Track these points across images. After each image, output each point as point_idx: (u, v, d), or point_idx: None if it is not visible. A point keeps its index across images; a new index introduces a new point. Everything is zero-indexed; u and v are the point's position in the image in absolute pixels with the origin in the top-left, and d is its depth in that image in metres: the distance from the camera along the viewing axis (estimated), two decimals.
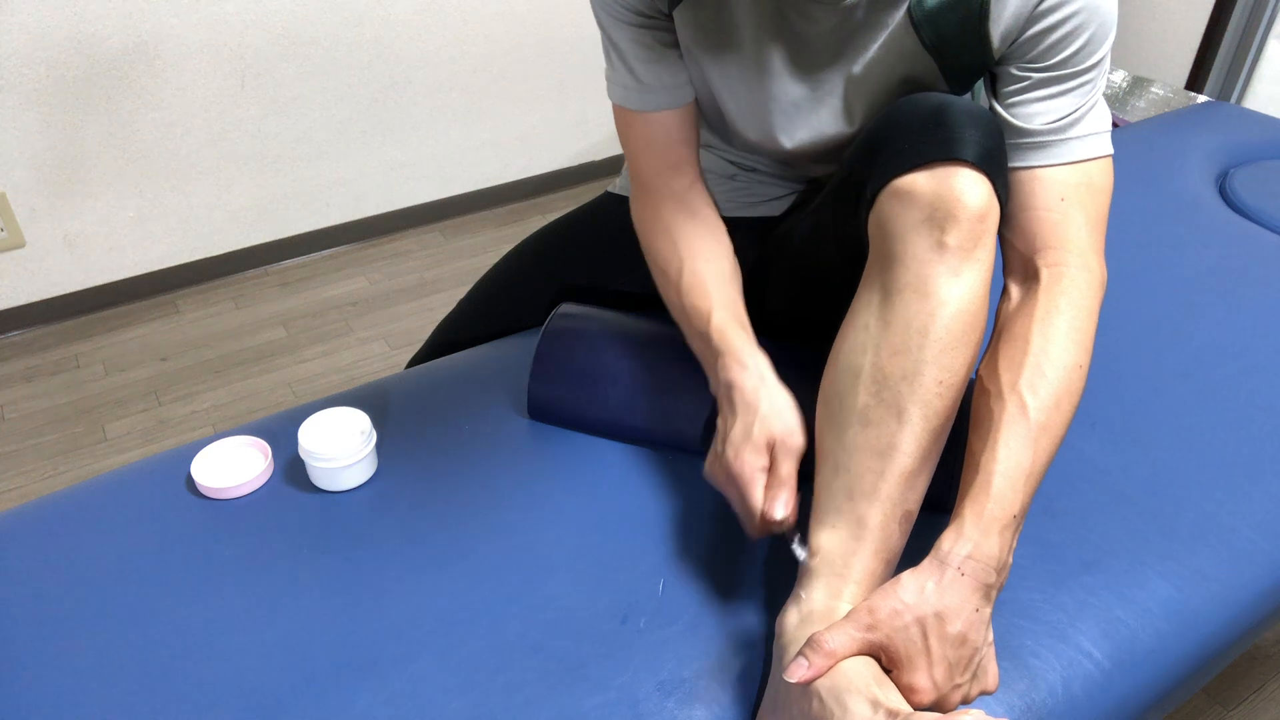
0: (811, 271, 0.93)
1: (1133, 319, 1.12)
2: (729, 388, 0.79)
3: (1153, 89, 2.41)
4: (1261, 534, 0.85)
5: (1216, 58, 2.50)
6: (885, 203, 0.73)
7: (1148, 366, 1.04)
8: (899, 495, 0.69)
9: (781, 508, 0.72)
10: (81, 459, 1.69)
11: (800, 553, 0.72)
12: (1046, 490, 0.87)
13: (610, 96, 0.92)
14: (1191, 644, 0.78)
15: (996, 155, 0.73)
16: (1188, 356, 1.06)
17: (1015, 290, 0.78)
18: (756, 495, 0.74)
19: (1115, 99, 2.42)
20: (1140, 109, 2.36)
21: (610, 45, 0.89)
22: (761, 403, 0.76)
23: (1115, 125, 2.21)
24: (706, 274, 0.86)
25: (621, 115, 0.92)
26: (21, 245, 1.94)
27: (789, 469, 0.74)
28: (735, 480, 0.75)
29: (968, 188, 0.70)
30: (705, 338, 0.83)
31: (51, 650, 0.71)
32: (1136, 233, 1.30)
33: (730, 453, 0.75)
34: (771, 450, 0.75)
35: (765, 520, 0.73)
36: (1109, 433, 0.95)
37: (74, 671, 0.70)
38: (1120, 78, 2.49)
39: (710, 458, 0.79)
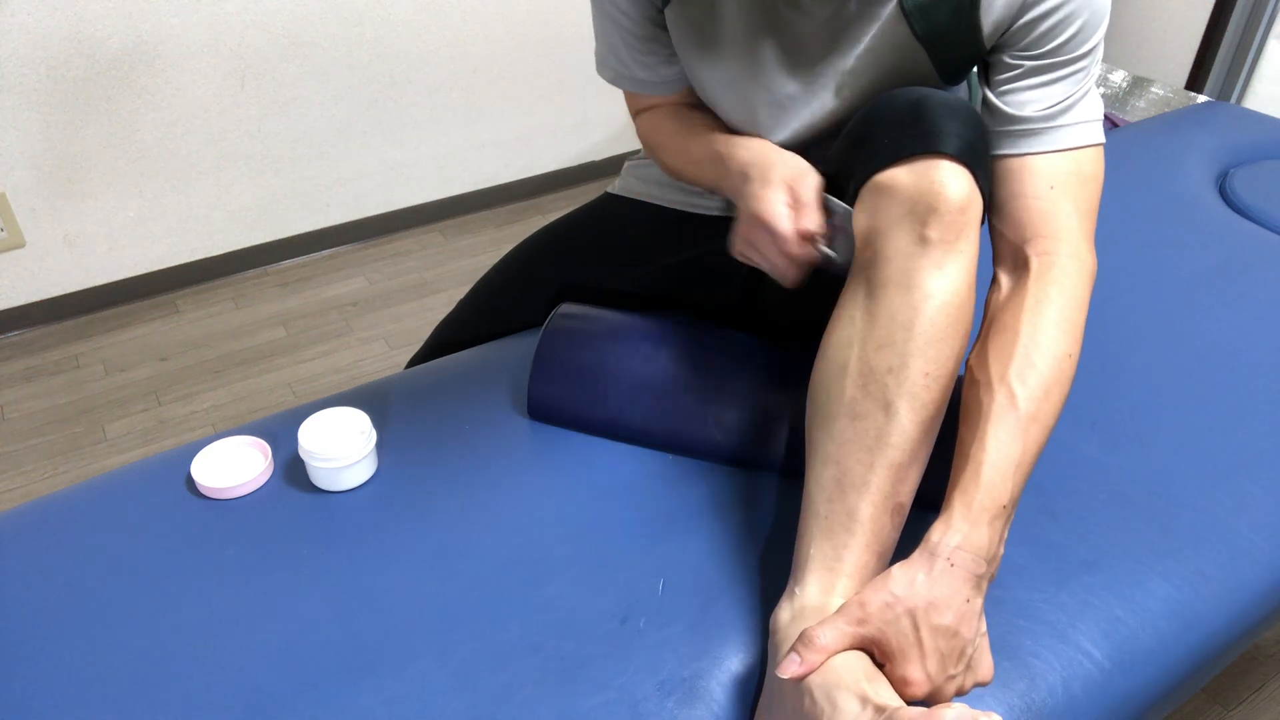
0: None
1: (1133, 319, 1.12)
2: (742, 167, 0.83)
3: (1153, 89, 2.41)
4: (1261, 534, 0.85)
5: (1216, 58, 2.50)
6: (867, 198, 0.73)
7: (1148, 366, 1.04)
8: (889, 488, 0.69)
9: (812, 221, 0.77)
10: (81, 459, 1.69)
11: (829, 252, 0.77)
12: (1046, 490, 0.87)
13: (603, 76, 0.97)
14: (1191, 644, 0.78)
15: (977, 147, 0.73)
16: (1188, 356, 1.06)
17: (1005, 279, 0.78)
18: (786, 224, 0.77)
19: (1115, 99, 2.42)
20: (1140, 109, 2.36)
21: (606, 36, 0.90)
22: (773, 158, 0.81)
23: (1115, 125, 2.22)
24: (703, 126, 0.92)
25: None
26: (21, 245, 1.94)
27: (811, 195, 0.78)
28: (763, 220, 0.78)
29: (948, 180, 0.70)
30: (713, 157, 0.88)
31: (51, 650, 0.71)
32: (1136, 233, 1.30)
33: (754, 201, 0.79)
34: (791, 189, 0.78)
35: (802, 235, 0.77)
36: (1109, 433, 0.95)
37: (74, 671, 0.70)
38: (1120, 78, 2.49)
39: (735, 228, 0.84)
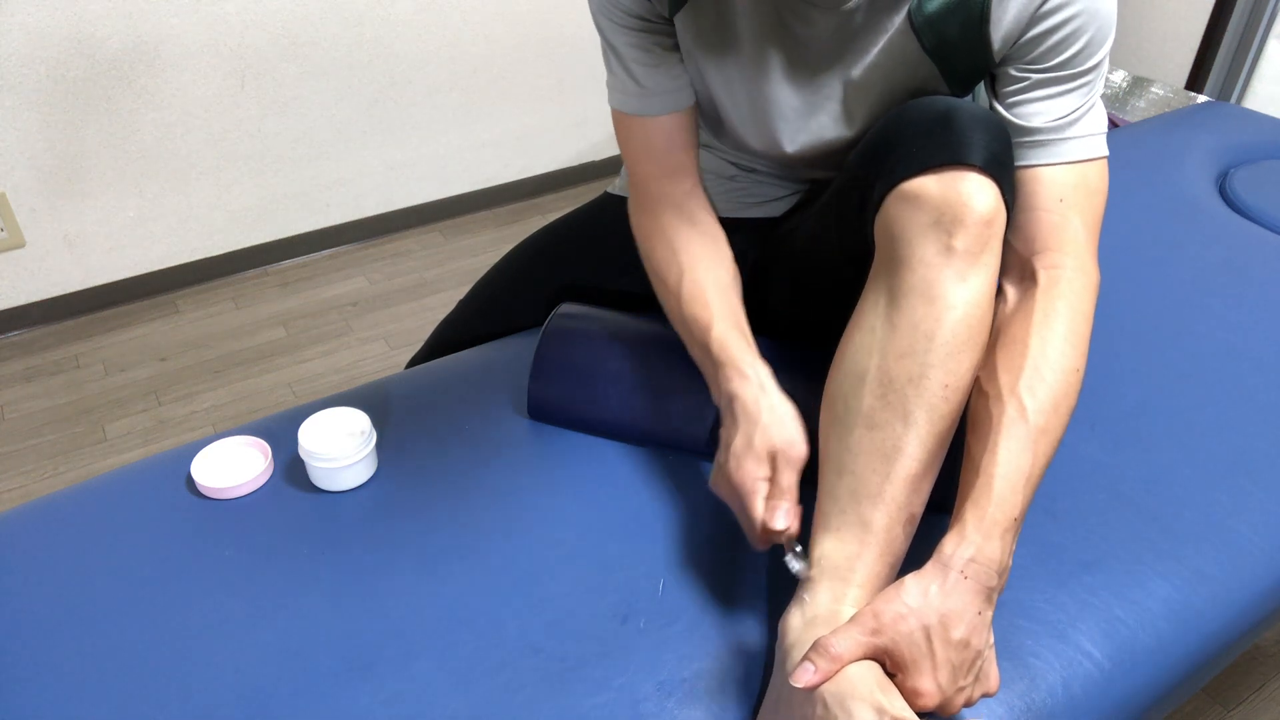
0: (813, 272, 0.93)
1: (1133, 319, 1.12)
2: (730, 399, 0.78)
3: (1153, 89, 2.41)
4: (1261, 534, 0.85)
5: (1216, 58, 2.50)
6: (892, 206, 0.73)
7: (1148, 366, 1.04)
8: (904, 498, 0.69)
9: (782, 518, 0.71)
10: (81, 459, 1.69)
11: (796, 566, 0.71)
12: (1047, 490, 0.87)
13: (610, 102, 0.92)
14: (1191, 644, 0.78)
15: (1004, 159, 0.73)
16: (1188, 356, 1.06)
17: (1012, 292, 0.78)
18: (758, 506, 0.73)
19: (1115, 99, 2.42)
20: (1140, 109, 2.36)
21: (610, 49, 0.88)
22: (763, 413, 0.76)
23: (1115, 125, 2.22)
24: (706, 283, 0.86)
25: (621, 121, 0.91)
26: (21, 245, 1.94)
27: (790, 479, 0.73)
28: (737, 491, 0.75)
29: (975, 192, 0.70)
30: (706, 349, 0.83)
31: (51, 650, 0.71)
32: (1136, 233, 1.30)
33: (732, 464, 0.75)
34: (773, 460, 0.74)
35: (766, 531, 0.73)
36: (1109, 433, 0.95)
37: (74, 671, 0.70)
38: (1120, 78, 2.49)
39: (714, 469, 0.79)
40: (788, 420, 0.76)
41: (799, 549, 0.72)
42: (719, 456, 0.78)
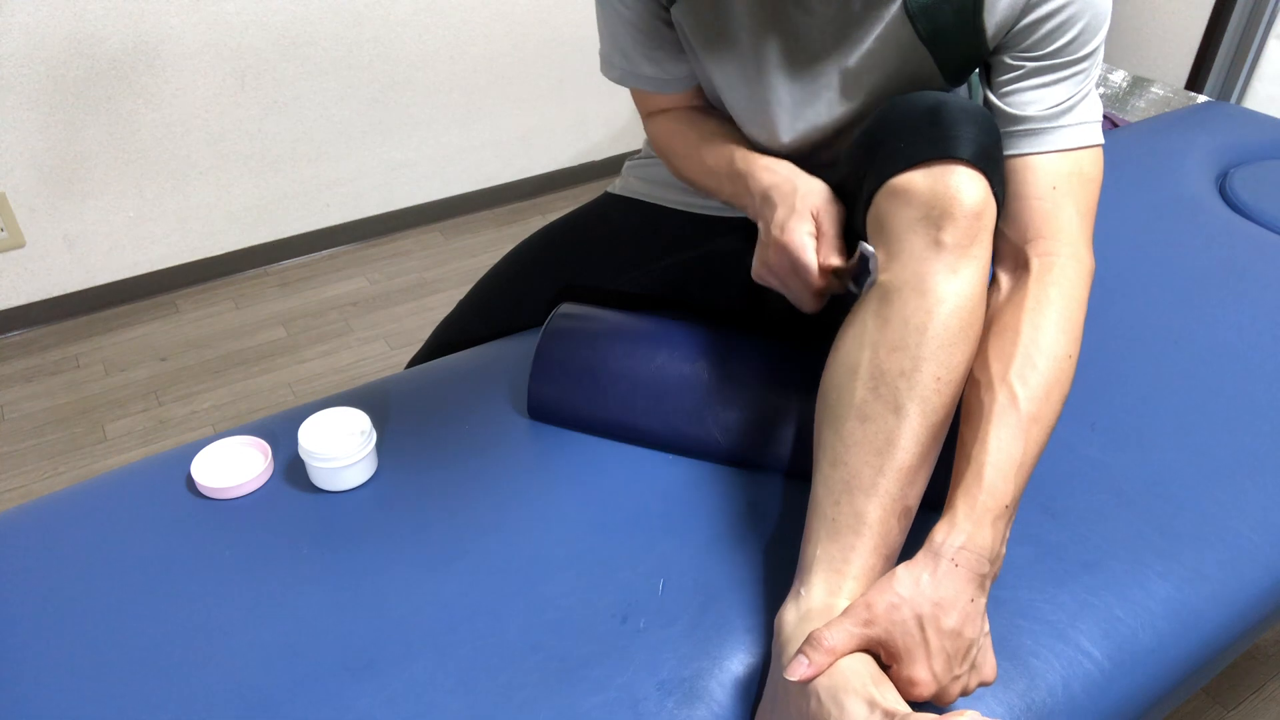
0: None
1: (1133, 319, 1.12)
2: (764, 190, 0.82)
3: (1153, 89, 2.41)
4: (1261, 534, 0.85)
5: (1216, 58, 2.50)
6: (882, 201, 0.73)
7: (1148, 366, 1.04)
8: (898, 491, 0.69)
9: (835, 256, 0.77)
10: (81, 459, 1.69)
11: (870, 257, 0.74)
12: (1047, 490, 0.87)
13: (608, 76, 0.96)
14: (1191, 644, 0.78)
15: (993, 153, 0.73)
16: (1188, 356, 1.06)
17: (1005, 279, 0.79)
18: (811, 256, 0.78)
19: (1115, 99, 2.42)
20: (1140, 109, 2.36)
21: (613, 37, 0.90)
22: (799, 185, 0.81)
23: (1115, 125, 2.22)
24: (722, 136, 0.92)
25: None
26: (21, 245, 1.94)
27: (834, 228, 0.79)
28: (788, 251, 0.79)
29: (964, 186, 0.70)
30: (732, 172, 0.87)
31: (51, 650, 0.71)
32: (1136, 233, 1.30)
33: (777, 230, 0.79)
34: (815, 218, 0.79)
35: (824, 270, 0.77)
36: (1109, 433, 0.95)
37: (74, 671, 0.70)
38: (1120, 78, 2.49)
39: (757, 253, 0.83)
40: (821, 186, 0.81)
41: (857, 271, 0.77)
42: (761, 239, 0.83)
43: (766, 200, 0.82)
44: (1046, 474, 0.88)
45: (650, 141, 1.01)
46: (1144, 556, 0.82)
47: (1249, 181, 1.44)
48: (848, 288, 0.78)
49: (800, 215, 0.79)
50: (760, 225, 0.83)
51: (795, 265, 0.79)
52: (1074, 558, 0.81)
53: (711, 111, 0.97)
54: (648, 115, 1.00)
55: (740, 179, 0.86)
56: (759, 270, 0.84)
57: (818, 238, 0.79)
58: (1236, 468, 0.92)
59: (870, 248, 0.75)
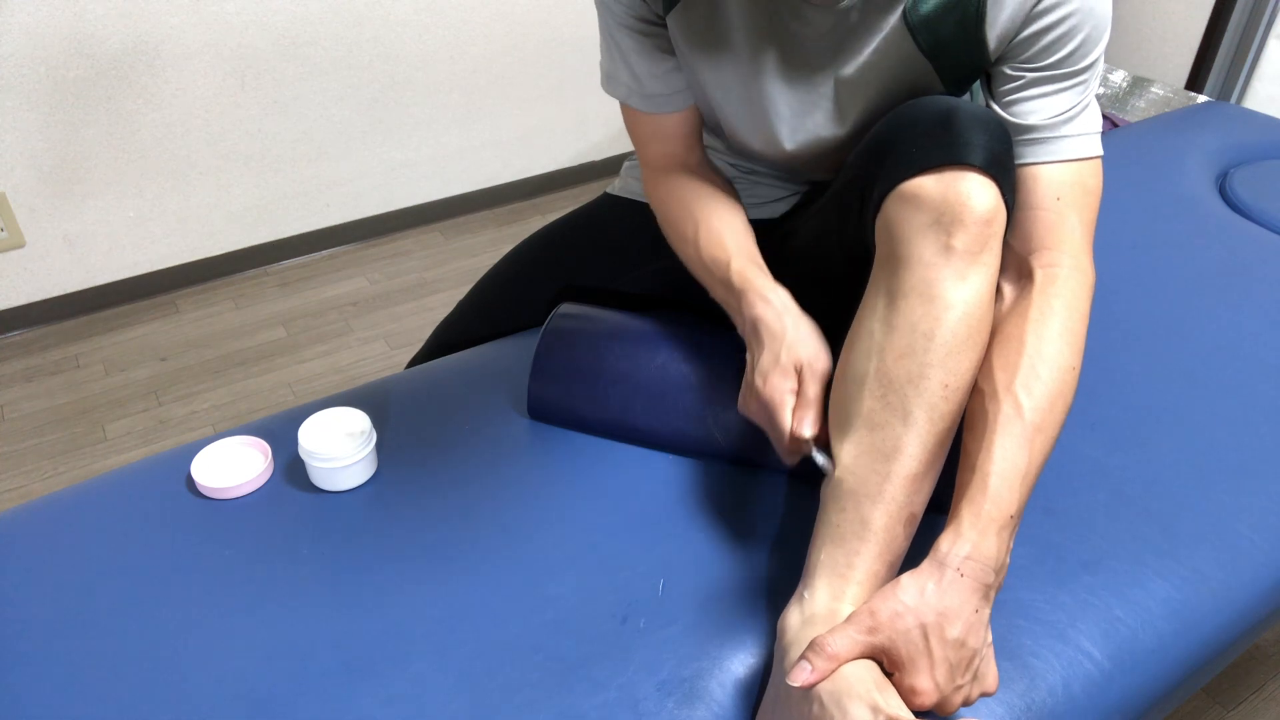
0: (814, 273, 0.93)
1: (1133, 319, 1.12)
2: (755, 322, 0.81)
3: (1153, 89, 2.41)
4: (1261, 534, 0.85)
5: (1216, 58, 2.50)
6: (892, 206, 0.73)
7: (1148, 366, 1.04)
8: (904, 498, 0.69)
9: (809, 426, 0.75)
10: (81, 459, 1.69)
11: (821, 460, 0.74)
12: (1046, 490, 0.87)
13: (613, 94, 0.93)
14: (1191, 644, 0.78)
15: (1004, 160, 0.73)
16: (1188, 356, 1.06)
17: (1008, 289, 0.78)
18: (786, 417, 0.76)
19: (1115, 99, 2.42)
20: (1140, 109, 2.36)
21: (615, 49, 0.89)
22: (787, 330, 0.79)
23: (1115, 125, 2.22)
24: (722, 229, 0.89)
25: (628, 111, 0.94)
26: (21, 245, 1.94)
27: (816, 390, 0.77)
28: (766, 405, 0.77)
29: (975, 192, 0.70)
30: (727, 283, 0.85)
31: (52, 650, 0.71)
32: (1136, 233, 1.30)
33: (759, 379, 0.78)
34: (799, 374, 0.77)
35: (794, 439, 0.75)
36: (1109, 433, 0.95)
37: (74, 671, 0.70)
38: (1120, 78, 2.49)
39: (742, 389, 0.82)
40: (811, 336, 0.79)
41: (825, 452, 0.75)
42: (746, 377, 0.81)
43: (755, 333, 0.81)
44: (1046, 474, 0.88)
45: (649, 197, 0.97)
46: (1144, 556, 0.82)
47: (1249, 181, 1.44)
48: (813, 455, 0.75)
49: (784, 370, 0.77)
50: (746, 356, 0.82)
51: (770, 420, 0.78)
52: (1074, 558, 0.81)
53: (714, 181, 0.94)
54: (648, 165, 0.96)
55: (734, 294, 0.84)
56: (741, 406, 0.83)
57: (797, 397, 0.76)
58: (1236, 468, 0.92)
59: (822, 457, 0.74)
